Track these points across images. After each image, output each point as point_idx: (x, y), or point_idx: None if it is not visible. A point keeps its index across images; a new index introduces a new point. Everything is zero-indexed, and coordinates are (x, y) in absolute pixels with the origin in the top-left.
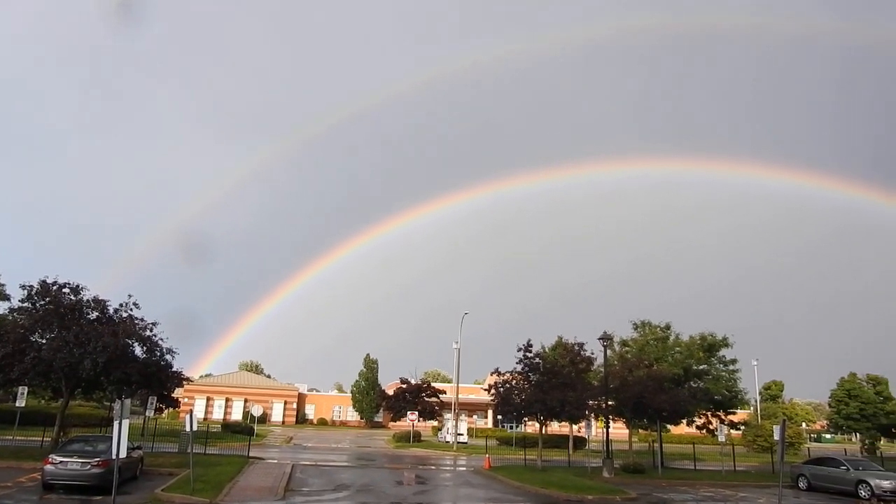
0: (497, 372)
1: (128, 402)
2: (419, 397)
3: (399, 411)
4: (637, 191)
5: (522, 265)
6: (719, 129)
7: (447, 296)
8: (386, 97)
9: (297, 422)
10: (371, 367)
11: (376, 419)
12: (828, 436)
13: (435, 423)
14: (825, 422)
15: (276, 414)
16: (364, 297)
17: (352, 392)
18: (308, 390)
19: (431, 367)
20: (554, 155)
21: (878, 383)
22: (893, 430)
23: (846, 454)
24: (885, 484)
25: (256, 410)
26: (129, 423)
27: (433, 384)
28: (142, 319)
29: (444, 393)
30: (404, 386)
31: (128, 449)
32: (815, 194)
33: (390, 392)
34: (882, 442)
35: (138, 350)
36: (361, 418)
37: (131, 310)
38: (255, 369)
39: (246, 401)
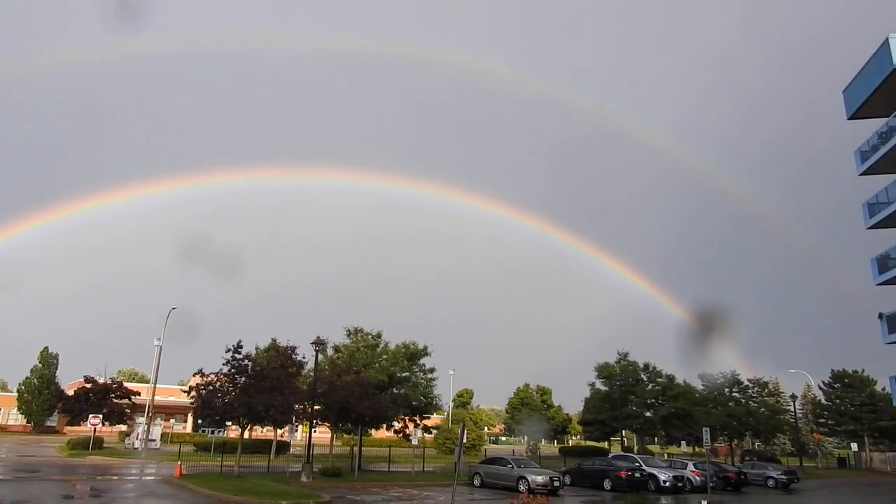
0: (201, 373)
1: None
2: (107, 398)
3: (79, 414)
4: (368, 203)
5: (242, 263)
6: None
7: (161, 291)
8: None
9: None
10: (49, 362)
11: (49, 423)
12: (504, 438)
13: (125, 428)
14: (503, 426)
15: None
16: (46, 284)
17: (18, 391)
18: None
19: (130, 366)
20: (286, 155)
21: (544, 393)
22: (552, 433)
23: (513, 454)
24: (539, 479)
25: None
26: None
27: (127, 384)
28: None
29: (139, 394)
30: (89, 385)
31: None
32: (515, 226)
33: (71, 392)
34: (543, 443)
35: None
36: (29, 422)
37: None
38: None
39: None
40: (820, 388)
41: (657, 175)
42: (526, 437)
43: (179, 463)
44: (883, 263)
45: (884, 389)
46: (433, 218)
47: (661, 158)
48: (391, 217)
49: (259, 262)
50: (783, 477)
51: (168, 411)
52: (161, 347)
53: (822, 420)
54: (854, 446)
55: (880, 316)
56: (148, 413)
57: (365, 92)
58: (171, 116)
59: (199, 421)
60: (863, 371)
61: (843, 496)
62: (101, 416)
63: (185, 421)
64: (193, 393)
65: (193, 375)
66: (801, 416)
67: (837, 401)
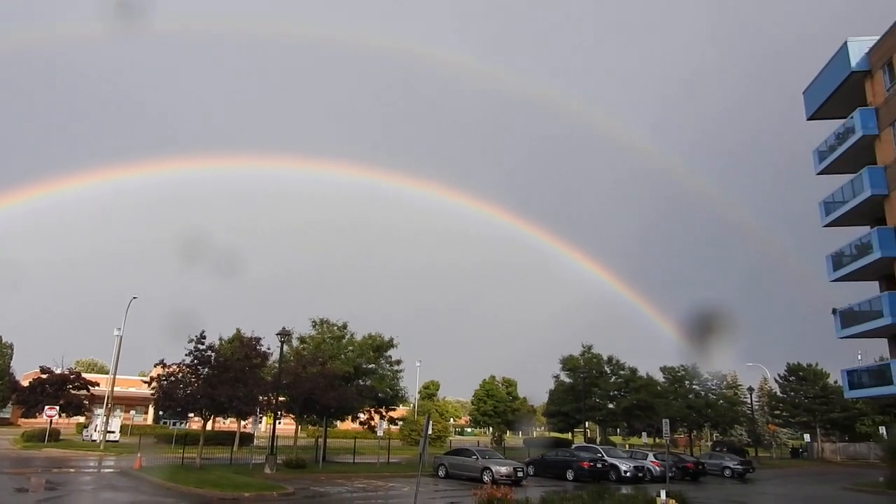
0: (162, 364)
1: None
2: (64, 389)
3: (34, 405)
4: (336, 194)
5: (207, 252)
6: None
7: (127, 279)
8: None
9: None
10: (2, 352)
11: (3, 415)
12: (469, 429)
13: (83, 420)
14: (469, 417)
15: None
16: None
17: None
18: None
19: (89, 356)
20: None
21: (509, 385)
22: (517, 425)
23: (478, 445)
24: (503, 469)
25: None
26: None
27: (85, 375)
28: None
29: (98, 385)
30: (45, 376)
31: None
32: (484, 220)
33: (26, 383)
34: (508, 435)
35: None
36: None
37: None
38: None
39: None
40: (776, 380)
41: (627, 173)
42: (491, 429)
43: (139, 455)
44: (837, 261)
45: (836, 382)
46: (400, 210)
47: (631, 157)
48: (358, 208)
49: (225, 251)
50: (739, 467)
51: (128, 403)
52: (121, 337)
53: (778, 412)
54: (807, 437)
55: (834, 311)
56: (107, 404)
57: (332, 81)
58: (139, 100)
59: (161, 412)
60: (817, 364)
61: (795, 485)
62: (57, 407)
63: (146, 412)
64: (154, 384)
65: (155, 366)
66: (757, 407)
67: (792, 393)
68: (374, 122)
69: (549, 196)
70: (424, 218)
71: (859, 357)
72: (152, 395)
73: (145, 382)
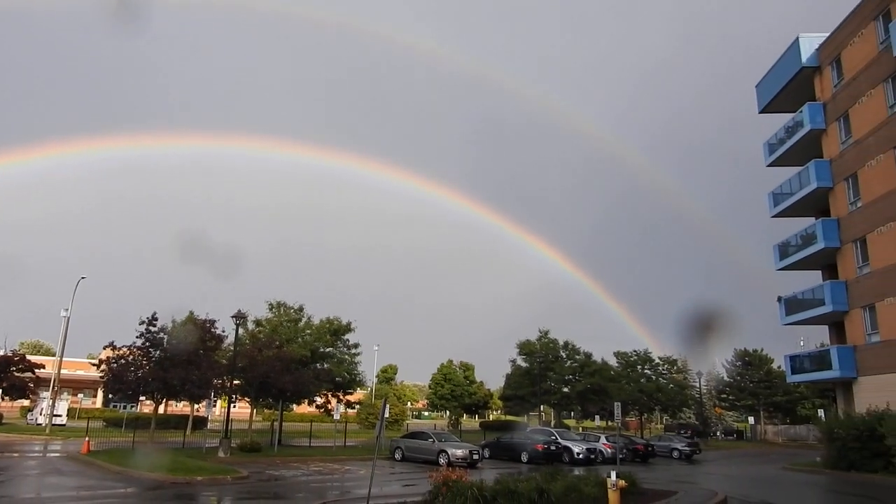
0: (112, 346)
1: None
2: (7, 372)
3: None
4: (292, 175)
5: (154, 232)
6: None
7: (75, 258)
8: None
9: None
10: None
11: None
12: (426, 413)
13: (27, 403)
14: (426, 401)
15: None
16: None
17: None
18: None
19: (35, 338)
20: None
21: (467, 369)
22: (473, 409)
23: (435, 429)
24: (459, 452)
25: None
26: None
27: (31, 357)
28: None
29: (44, 367)
30: None
31: None
32: (443, 204)
33: None
34: (465, 418)
35: None
36: None
37: None
38: None
39: None
40: (724, 366)
41: (586, 162)
42: (448, 412)
43: (87, 439)
44: (783, 251)
45: (779, 367)
46: (356, 192)
47: (591, 147)
48: (315, 190)
49: (174, 230)
50: (686, 448)
51: (76, 386)
52: (68, 318)
53: (724, 395)
54: (751, 420)
55: (779, 299)
56: (53, 387)
57: (280, 59)
58: (93, 74)
59: (110, 396)
60: (762, 350)
61: (738, 465)
62: (0, 390)
63: (95, 396)
64: (104, 366)
65: (104, 348)
66: (705, 391)
67: (738, 378)
68: (327, 103)
69: (508, 183)
70: (380, 200)
71: (801, 343)
72: (101, 377)
73: (94, 365)
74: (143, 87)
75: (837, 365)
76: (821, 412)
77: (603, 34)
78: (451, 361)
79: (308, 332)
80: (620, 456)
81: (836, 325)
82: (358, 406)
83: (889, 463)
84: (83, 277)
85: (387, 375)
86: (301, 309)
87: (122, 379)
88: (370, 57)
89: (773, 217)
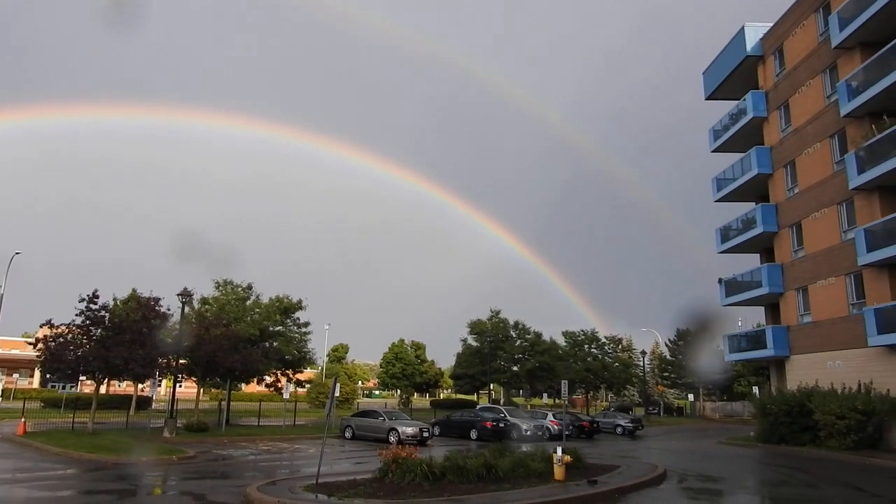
0: (49, 324)
1: None
2: None
3: None
4: (246, 149)
5: (97, 206)
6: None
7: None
8: None
9: None
10: None
11: None
12: (377, 392)
13: None
14: (377, 380)
15: None
16: None
17: None
18: None
19: None
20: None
21: (418, 348)
22: (424, 387)
23: (385, 407)
24: (409, 430)
25: None
26: None
27: None
28: None
29: None
30: None
31: None
32: (395, 183)
33: None
34: (415, 396)
35: None
36: None
37: None
38: None
39: None
40: (666, 345)
41: (540, 146)
42: (399, 391)
43: (24, 420)
44: (725, 234)
45: (719, 346)
46: (313, 170)
47: (545, 131)
48: (268, 166)
49: (120, 206)
50: (630, 425)
51: (10, 365)
52: (2, 296)
53: (667, 374)
54: (691, 397)
55: (720, 281)
56: None
57: (236, 35)
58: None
59: (48, 375)
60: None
61: (678, 440)
62: None
63: (32, 376)
64: (41, 345)
65: (41, 326)
66: (649, 370)
67: (680, 356)
68: (282, 79)
69: (462, 163)
70: (334, 179)
71: (739, 323)
72: (38, 357)
73: (30, 344)
74: (92, 59)
75: (772, 344)
76: (755, 389)
77: (562, 19)
78: (402, 341)
79: (257, 310)
80: (567, 433)
81: (772, 307)
82: (308, 385)
83: (816, 436)
84: (17, 253)
85: (338, 354)
86: (250, 287)
87: (60, 358)
88: (326, 35)
89: (716, 201)
